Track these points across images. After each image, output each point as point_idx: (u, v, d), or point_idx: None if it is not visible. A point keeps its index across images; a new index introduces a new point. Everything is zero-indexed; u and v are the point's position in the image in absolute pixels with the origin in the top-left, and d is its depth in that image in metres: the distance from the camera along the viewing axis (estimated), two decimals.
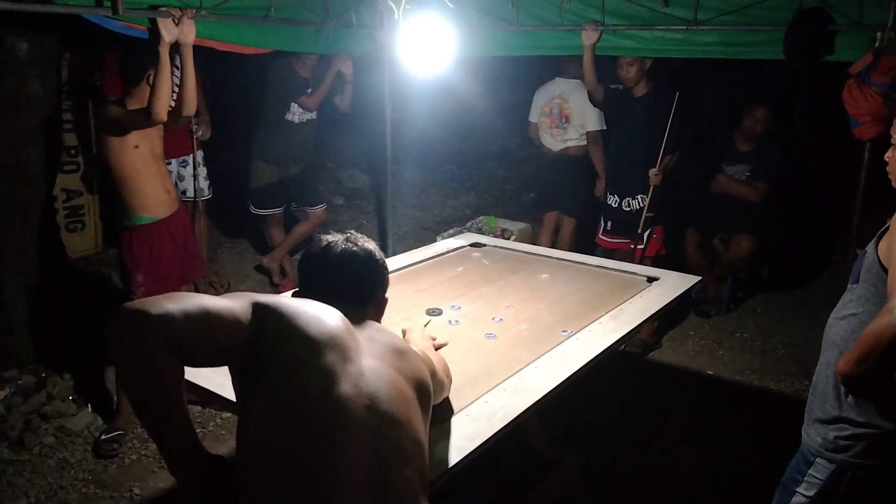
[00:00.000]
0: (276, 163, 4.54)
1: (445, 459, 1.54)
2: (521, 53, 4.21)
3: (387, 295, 1.63)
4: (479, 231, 5.19)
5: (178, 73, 3.22)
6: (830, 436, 1.73)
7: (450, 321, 2.40)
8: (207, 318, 1.18)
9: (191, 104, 3.14)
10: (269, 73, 4.46)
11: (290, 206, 4.82)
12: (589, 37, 3.83)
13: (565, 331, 2.29)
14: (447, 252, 3.26)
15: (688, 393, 3.82)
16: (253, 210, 4.65)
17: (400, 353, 1.43)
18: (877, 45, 3.09)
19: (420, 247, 3.41)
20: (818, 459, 1.77)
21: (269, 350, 1.25)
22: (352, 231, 1.64)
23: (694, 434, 3.32)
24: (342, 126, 6.09)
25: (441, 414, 1.73)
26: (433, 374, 1.55)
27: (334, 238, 1.60)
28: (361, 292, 1.56)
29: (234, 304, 1.26)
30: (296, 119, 4.49)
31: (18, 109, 3.39)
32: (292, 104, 4.45)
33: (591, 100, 4.39)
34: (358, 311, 1.50)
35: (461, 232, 4.79)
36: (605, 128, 4.58)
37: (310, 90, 4.43)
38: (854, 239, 3.42)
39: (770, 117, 4.48)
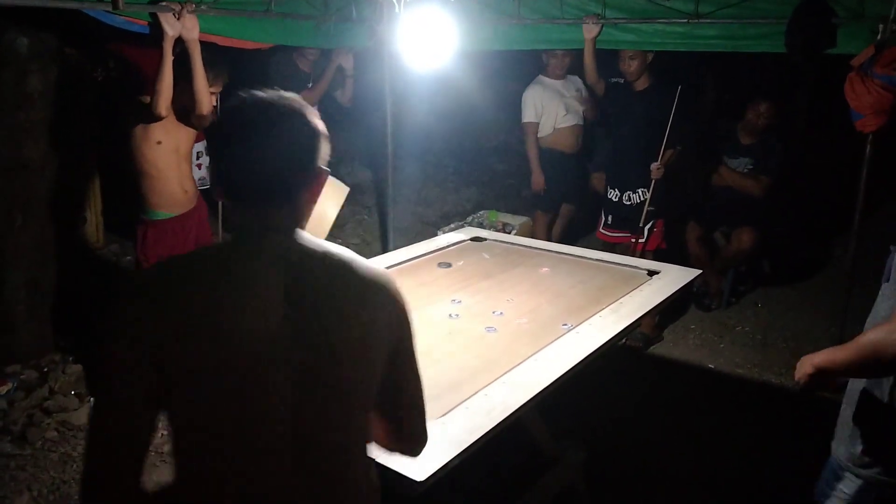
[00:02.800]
0: None
1: (445, 453, 1.54)
2: (522, 47, 4.20)
3: (322, 165, 1.21)
4: (480, 225, 5.19)
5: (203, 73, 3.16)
6: (857, 450, 1.69)
7: (450, 315, 2.40)
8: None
9: (204, 101, 3.09)
10: (269, 68, 4.45)
11: None
12: (590, 30, 3.83)
13: (566, 324, 2.29)
14: (448, 246, 3.26)
15: (688, 386, 3.82)
16: None
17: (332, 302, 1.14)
18: (879, 37, 3.08)
19: (421, 241, 3.41)
20: (846, 474, 1.73)
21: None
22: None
23: (694, 428, 3.32)
24: (343, 121, 6.08)
25: (440, 408, 1.73)
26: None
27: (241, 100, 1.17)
28: (286, 187, 1.17)
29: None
30: None
31: (19, 105, 3.39)
32: None
33: (592, 93, 4.39)
34: (282, 215, 1.17)
35: (462, 226, 4.78)
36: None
37: (310, 85, 4.43)
38: (856, 232, 3.42)
39: (773, 111, 4.47)
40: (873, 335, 1.46)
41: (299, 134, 1.16)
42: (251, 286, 1.10)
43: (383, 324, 1.17)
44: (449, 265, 2.82)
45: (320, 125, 1.20)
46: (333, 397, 1.14)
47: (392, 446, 1.31)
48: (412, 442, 1.31)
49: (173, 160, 3.13)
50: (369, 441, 1.25)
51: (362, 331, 1.14)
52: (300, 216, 1.20)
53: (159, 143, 3.07)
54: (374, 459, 1.28)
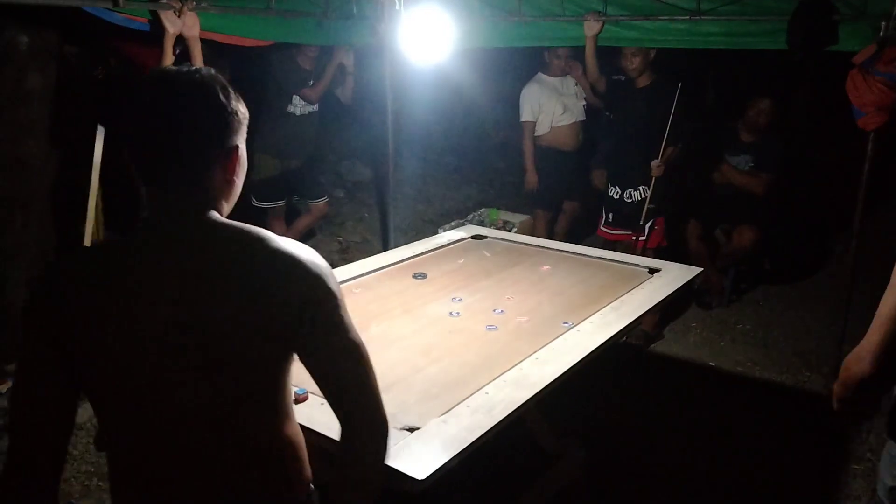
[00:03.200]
0: (278, 155, 4.53)
1: (446, 452, 1.54)
2: (523, 44, 4.20)
3: (238, 142, 1.20)
4: (481, 223, 5.18)
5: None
6: None
7: (451, 313, 2.40)
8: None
9: None
10: (270, 66, 4.45)
11: (291, 199, 4.82)
12: (591, 27, 3.82)
13: (566, 322, 2.29)
14: (448, 244, 3.25)
15: (689, 385, 3.82)
16: (254, 203, 4.65)
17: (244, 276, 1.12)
18: (881, 34, 3.07)
19: (422, 239, 3.41)
20: None
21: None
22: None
23: (695, 426, 3.32)
24: (344, 118, 6.08)
25: (441, 406, 1.73)
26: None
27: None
28: (193, 161, 1.13)
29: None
30: (298, 111, 4.48)
31: (18, 103, 3.38)
32: (294, 96, 4.44)
33: (594, 91, 4.38)
34: (191, 195, 1.15)
35: (463, 224, 4.78)
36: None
37: (311, 82, 4.42)
38: (857, 230, 3.41)
39: (774, 108, 4.47)
40: (885, 307, 1.36)
41: (203, 110, 1.13)
42: (153, 272, 1.10)
43: (288, 302, 1.12)
44: (424, 276, 2.73)
45: (233, 102, 1.17)
46: (234, 376, 1.13)
47: (350, 443, 1.20)
48: (363, 433, 1.19)
49: None
50: (286, 420, 1.23)
51: (262, 308, 1.11)
52: (214, 196, 1.18)
53: None
54: (291, 439, 1.24)
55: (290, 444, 1.23)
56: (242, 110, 1.20)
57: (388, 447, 1.22)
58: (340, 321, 1.18)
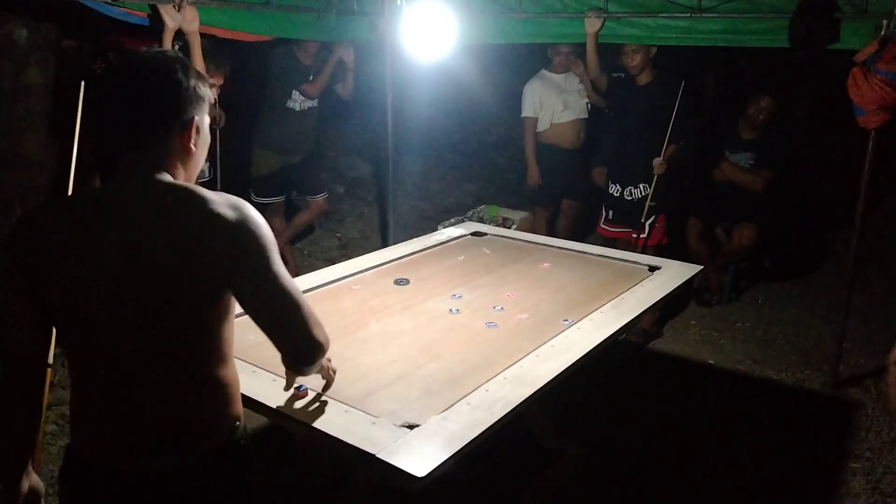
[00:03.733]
0: (278, 151, 4.52)
1: (446, 449, 1.54)
2: (523, 41, 4.19)
3: (195, 115, 1.36)
4: (481, 220, 5.17)
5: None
6: None
7: (450, 310, 2.40)
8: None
9: None
10: (270, 61, 4.44)
11: (291, 195, 4.81)
12: (592, 24, 3.81)
13: (566, 320, 2.29)
14: (448, 241, 3.25)
15: (689, 382, 3.82)
16: (254, 198, 4.63)
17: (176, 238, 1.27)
18: (882, 32, 3.07)
19: (421, 236, 3.40)
20: None
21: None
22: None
23: (695, 423, 3.32)
24: (343, 114, 6.07)
25: (441, 403, 1.73)
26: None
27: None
28: (150, 130, 1.33)
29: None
30: (297, 107, 4.47)
31: (17, 97, 3.38)
32: (294, 92, 4.43)
33: (595, 88, 4.37)
34: (149, 158, 1.33)
35: (462, 221, 4.78)
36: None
37: (311, 78, 4.41)
38: (857, 228, 3.41)
39: (774, 106, 4.46)
40: None
41: (161, 85, 1.31)
42: (105, 223, 1.27)
43: (217, 251, 1.28)
44: (406, 282, 2.69)
45: (192, 80, 1.34)
46: (168, 321, 1.29)
47: (288, 363, 1.46)
48: (298, 353, 1.39)
49: None
50: (220, 363, 1.37)
51: (192, 258, 1.27)
52: (171, 161, 1.35)
53: None
54: (224, 380, 1.39)
55: (224, 384, 1.39)
56: (203, 89, 1.38)
57: (317, 360, 1.42)
58: (268, 269, 1.32)
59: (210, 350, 1.35)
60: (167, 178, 1.33)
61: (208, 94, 1.40)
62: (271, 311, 1.34)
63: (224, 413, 1.40)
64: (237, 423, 1.43)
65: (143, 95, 1.31)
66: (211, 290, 1.30)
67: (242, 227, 1.30)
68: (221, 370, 1.37)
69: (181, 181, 1.36)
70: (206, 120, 1.41)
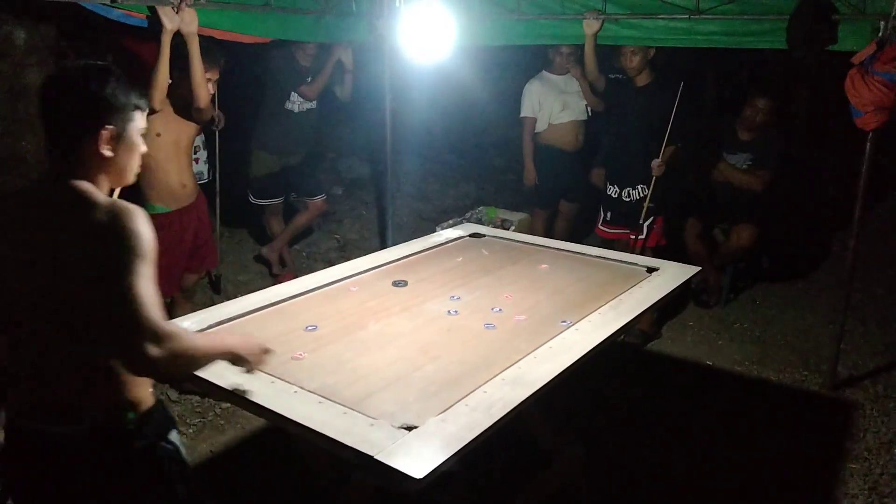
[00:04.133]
0: (277, 152, 4.52)
1: (444, 450, 1.54)
2: (522, 42, 4.19)
3: (112, 123, 1.50)
4: (479, 221, 5.18)
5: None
6: None
7: (449, 311, 2.40)
8: None
9: (201, 95, 3.09)
10: (268, 62, 4.44)
11: (289, 197, 4.81)
12: (591, 26, 3.81)
13: (565, 321, 2.29)
14: (447, 242, 3.25)
15: (687, 383, 3.82)
16: (253, 200, 4.64)
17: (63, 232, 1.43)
18: (880, 34, 3.08)
19: (420, 237, 3.41)
20: None
21: None
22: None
23: (693, 425, 3.32)
24: (342, 116, 6.07)
25: (440, 404, 1.73)
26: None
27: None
28: (63, 136, 1.49)
29: None
30: (296, 108, 4.47)
31: (16, 98, 3.38)
32: (292, 93, 4.43)
33: (593, 90, 4.38)
34: (68, 161, 1.49)
35: (461, 222, 4.78)
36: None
37: (310, 79, 4.41)
38: (856, 229, 3.41)
39: (771, 107, 4.46)
40: None
41: (71, 95, 1.47)
42: (15, 223, 1.48)
43: (93, 248, 1.41)
44: (405, 283, 2.67)
45: (108, 90, 1.47)
46: (56, 316, 1.45)
47: (129, 367, 1.49)
48: (127, 359, 1.44)
49: (172, 152, 3.12)
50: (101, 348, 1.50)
51: (77, 254, 1.41)
52: (88, 166, 1.50)
53: (159, 134, 3.04)
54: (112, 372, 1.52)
55: (118, 374, 1.52)
56: (122, 99, 1.50)
57: (147, 372, 1.50)
58: (129, 269, 1.40)
59: (101, 342, 1.46)
60: (79, 182, 1.47)
61: (135, 102, 1.53)
62: (116, 313, 1.40)
63: (114, 398, 1.54)
64: (130, 410, 1.56)
65: (55, 104, 1.47)
66: (92, 287, 1.40)
67: (112, 232, 1.41)
68: (115, 362, 1.51)
69: (105, 185, 1.53)
70: (133, 127, 1.54)
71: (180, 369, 1.52)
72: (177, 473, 1.66)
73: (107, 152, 1.49)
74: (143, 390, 1.60)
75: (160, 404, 1.68)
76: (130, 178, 1.61)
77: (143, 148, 1.60)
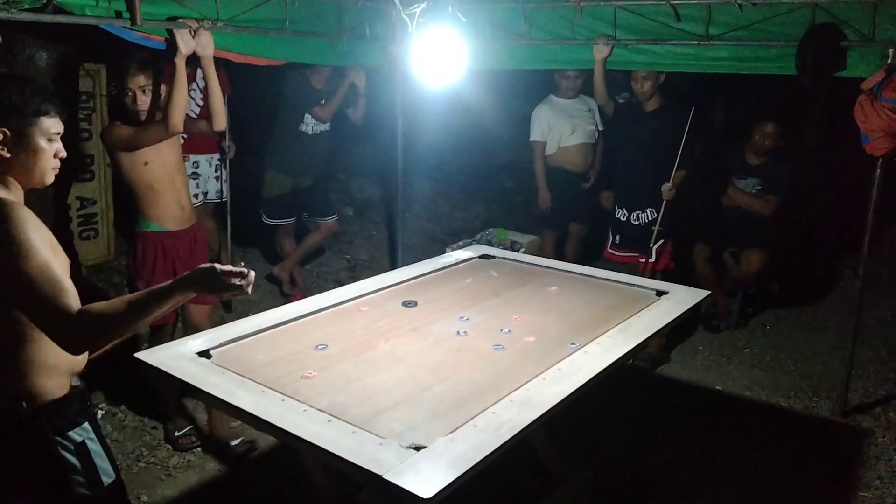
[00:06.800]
0: (290, 173, 4.57)
1: (452, 471, 1.54)
2: (532, 67, 4.23)
3: (2, 127, 1.64)
4: (489, 243, 5.20)
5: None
6: None
7: (458, 332, 2.41)
8: None
9: (219, 118, 3.09)
10: (283, 85, 4.50)
11: (301, 217, 4.85)
12: (600, 51, 3.85)
13: (573, 343, 2.29)
14: (456, 263, 3.27)
15: (696, 408, 3.80)
16: (265, 220, 4.68)
17: None
18: (889, 61, 3.09)
19: (430, 258, 3.43)
20: None
21: None
22: None
23: (702, 450, 3.30)
24: (354, 137, 6.12)
25: (448, 425, 1.74)
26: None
27: None
28: None
29: None
30: (310, 130, 4.53)
31: None
32: (306, 115, 4.49)
33: (601, 113, 4.42)
34: None
35: (470, 244, 4.80)
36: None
37: (323, 101, 4.47)
38: (865, 254, 3.41)
39: (780, 132, 4.48)
40: None
41: None
42: None
43: None
44: (415, 303, 2.69)
45: (3, 94, 1.62)
46: None
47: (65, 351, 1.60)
48: (62, 344, 1.57)
49: (164, 176, 3.02)
50: (8, 342, 1.66)
51: None
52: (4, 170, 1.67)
53: (146, 163, 2.97)
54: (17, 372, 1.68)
55: (14, 365, 1.66)
56: (19, 103, 1.64)
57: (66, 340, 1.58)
58: (16, 267, 1.53)
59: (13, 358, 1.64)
60: None
61: (37, 108, 1.66)
62: (27, 305, 1.57)
63: (10, 387, 1.68)
64: (23, 399, 1.68)
65: None
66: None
67: None
68: (11, 353, 1.66)
69: (14, 185, 1.70)
70: (35, 131, 1.67)
71: (111, 336, 1.62)
72: (74, 467, 1.74)
73: (3, 153, 1.65)
74: (48, 382, 1.71)
75: (73, 399, 1.76)
76: (42, 180, 1.74)
77: (59, 153, 1.74)
